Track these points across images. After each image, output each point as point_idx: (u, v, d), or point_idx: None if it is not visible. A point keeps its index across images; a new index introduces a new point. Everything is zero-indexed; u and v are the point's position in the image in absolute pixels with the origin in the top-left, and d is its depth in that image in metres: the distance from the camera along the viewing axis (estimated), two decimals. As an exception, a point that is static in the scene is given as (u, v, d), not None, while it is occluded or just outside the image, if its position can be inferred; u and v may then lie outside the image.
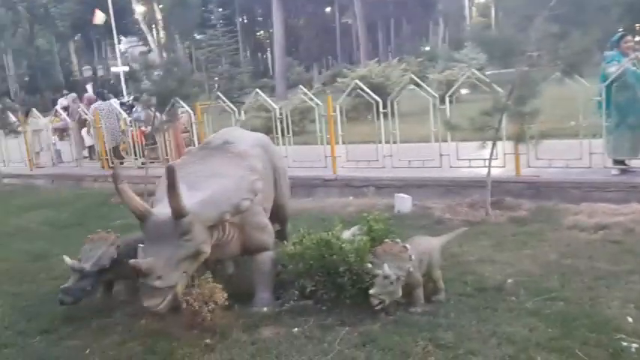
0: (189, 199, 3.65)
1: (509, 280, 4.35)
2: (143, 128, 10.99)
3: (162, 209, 3.66)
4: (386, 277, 3.72)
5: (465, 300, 4.06)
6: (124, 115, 11.81)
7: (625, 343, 3.31)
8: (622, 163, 6.98)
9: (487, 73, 11.94)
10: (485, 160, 6.68)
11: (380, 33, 55.43)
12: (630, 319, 3.60)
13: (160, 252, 3.50)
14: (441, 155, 7.82)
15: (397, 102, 8.40)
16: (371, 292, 3.75)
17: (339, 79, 20.17)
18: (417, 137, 10.16)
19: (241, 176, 4.02)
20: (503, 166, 7.27)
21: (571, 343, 3.36)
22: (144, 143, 11.04)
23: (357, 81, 9.68)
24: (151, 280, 3.44)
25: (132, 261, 3.42)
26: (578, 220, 5.70)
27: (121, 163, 11.85)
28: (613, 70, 6.86)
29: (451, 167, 7.75)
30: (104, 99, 12.95)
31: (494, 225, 5.90)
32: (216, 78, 30.53)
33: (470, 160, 7.61)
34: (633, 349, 3.25)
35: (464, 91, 14.62)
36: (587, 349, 3.28)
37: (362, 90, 8.81)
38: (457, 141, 7.71)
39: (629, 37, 7.31)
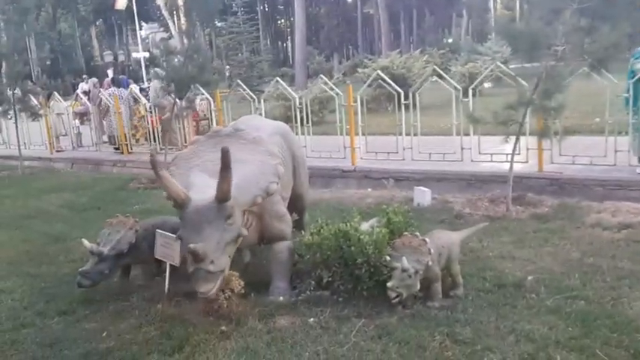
0: (214, 185, 3.67)
1: (530, 277, 4.28)
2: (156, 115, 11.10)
3: (196, 195, 3.65)
4: (404, 270, 3.68)
5: (483, 296, 4.01)
6: (144, 100, 11.88)
7: (648, 345, 3.24)
8: (647, 161, 6.82)
9: (511, 66, 11.79)
10: (507, 154, 6.58)
11: (402, 24, 55.00)
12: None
13: (208, 237, 3.51)
14: (462, 149, 7.72)
15: (419, 94, 8.31)
16: (388, 284, 3.71)
17: (359, 70, 20.05)
18: (438, 130, 10.08)
19: (262, 161, 4.02)
20: (526, 162, 7.15)
21: (591, 342, 3.29)
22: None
23: (379, 71, 9.58)
24: (205, 265, 3.46)
25: (191, 246, 3.39)
26: (601, 219, 5.58)
27: (117, 148, 12.06)
28: (641, 66, 6.70)
29: (472, 161, 7.65)
30: (118, 86, 13.04)
31: (515, 221, 5.81)
32: (227, 66, 30.51)
33: (492, 154, 7.51)
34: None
35: (486, 85, 14.47)
36: (608, 350, 3.22)
37: (384, 81, 8.73)
38: (479, 135, 7.61)
39: (659, 33, 7.13)
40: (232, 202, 3.58)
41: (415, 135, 8.16)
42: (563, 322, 3.56)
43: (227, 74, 28.48)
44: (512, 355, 3.22)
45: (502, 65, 7.94)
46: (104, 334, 3.76)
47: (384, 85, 8.84)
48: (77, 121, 13.69)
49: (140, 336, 3.68)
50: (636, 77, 6.71)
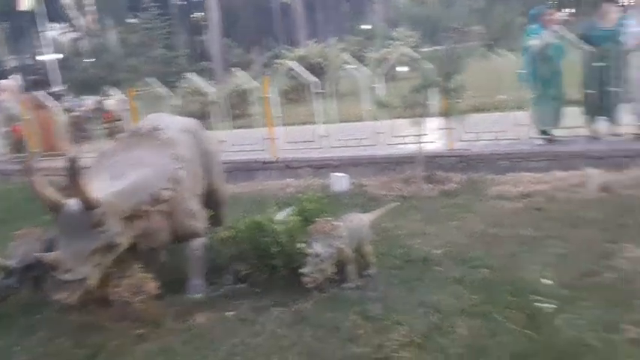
0: (107, 189, 3.59)
1: (436, 251, 4.50)
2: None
3: (75, 200, 3.53)
4: (317, 255, 3.78)
5: (394, 273, 4.18)
6: (55, 104, 11.38)
7: (541, 305, 3.49)
8: (546, 133, 7.26)
9: (424, 50, 12.14)
10: (418, 136, 6.81)
11: (319, 12, 55.16)
12: (547, 282, 3.80)
13: (70, 244, 3.40)
14: (376, 133, 7.92)
15: (335, 82, 8.42)
16: (303, 271, 3.80)
17: (277, 61, 20.01)
18: (354, 117, 10.26)
19: (163, 165, 3.96)
20: (436, 141, 7.43)
21: (493, 307, 3.51)
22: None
23: (290, 62, 9.63)
24: (59, 274, 3.35)
25: (36, 255, 3.31)
26: (503, 190, 5.93)
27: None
28: (534, 42, 7.08)
29: (387, 145, 7.86)
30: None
31: (425, 199, 6.05)
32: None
33: (404, 137, 7.74)
34: (548, 310, 3.43)
35: (402, 69, 14.81)
36: (508, 313, 3.43)
37: (297, 71, 8.79)
38: (392, 119, 7.83)
39: (550, 11, 7.56)
40: (105, 208, 3.45)
41: (332, 123, 8.28)
42: (467, 291, 3.78)
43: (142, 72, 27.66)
44: (420, 326, 3.37)
45: (407, 50, 8.18)
46: (14, 350, 3.65)
47: (297, 75, 8.89)
48: None
49: (53, 347, 3.59)
50: (529, 54, 7.07)
